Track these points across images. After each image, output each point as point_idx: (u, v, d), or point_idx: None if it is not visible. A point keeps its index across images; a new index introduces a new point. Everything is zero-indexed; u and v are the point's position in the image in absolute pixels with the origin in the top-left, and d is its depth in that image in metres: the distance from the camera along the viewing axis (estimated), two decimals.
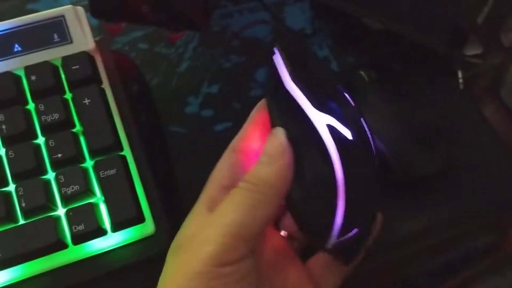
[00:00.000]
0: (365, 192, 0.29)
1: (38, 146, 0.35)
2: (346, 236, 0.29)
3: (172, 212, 0.38)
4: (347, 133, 0.28)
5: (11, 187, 0.34)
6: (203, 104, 0.47)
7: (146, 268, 0.34)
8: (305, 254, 0.35)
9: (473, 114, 0.46)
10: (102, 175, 0.34)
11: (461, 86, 0.47)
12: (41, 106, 0.35)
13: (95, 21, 0.45)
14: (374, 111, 0.42)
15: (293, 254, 0.34)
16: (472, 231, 0.46)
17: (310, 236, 0.31)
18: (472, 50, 0.48)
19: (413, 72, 0.47)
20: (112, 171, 0.34)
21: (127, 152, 0.35)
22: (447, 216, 0.42)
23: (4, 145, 0.34)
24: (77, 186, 0.33)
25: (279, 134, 0.27)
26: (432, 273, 0.55)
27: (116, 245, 0.35)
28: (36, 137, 0.35)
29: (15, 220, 0.33)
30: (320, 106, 0.28)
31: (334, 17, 0.51)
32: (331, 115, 0.28)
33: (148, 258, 0.36)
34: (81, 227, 0.33)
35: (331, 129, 0.28)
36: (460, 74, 0.47)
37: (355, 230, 0.29)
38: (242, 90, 0.47)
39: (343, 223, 0.28)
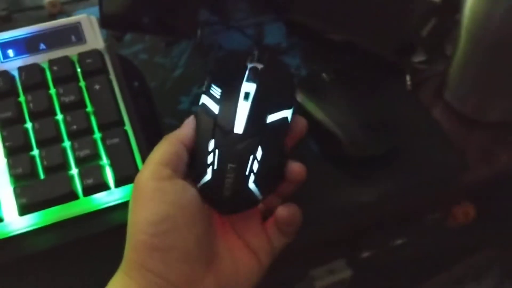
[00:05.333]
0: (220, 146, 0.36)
1: (57, 121, 0.44)
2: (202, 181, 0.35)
3: None
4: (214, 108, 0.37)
5: (35, 152, 0.43)
6: (194, 102, 0.56)
7: None
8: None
9: (418, 109, 0.55)
10: (108, 142, 0.43)
11: (409, 88, 0.56)
12: (60, 90, 0.44)
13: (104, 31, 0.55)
14: (332, 104, 0.52)
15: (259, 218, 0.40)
16: (418, 208, 0.54)
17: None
18: (419, 58, 0.57)
19: (368, 76, 0.56)
20: (116, 140, 0.43)
21: (128, 127, 0.45)
22: (392, 191, 0.50)
23: (31, 119, 0.43)
24: (88, 150, 0.42)
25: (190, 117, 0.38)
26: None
27: (118, 200, 0.43)
28: (56, 114, 0.44)
29: (38, 176, 0.42)
30: (206, 90, 0.38)
31: (304, 33, 0.61)
32: (209, 96, 0.37)
33: None
34: (90, 181, 0.42)
35: (202, 105, 0.37)
36: (408, 78, 0.56)
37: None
38: None
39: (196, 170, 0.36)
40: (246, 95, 0.37)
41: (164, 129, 0.53)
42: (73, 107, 0.44)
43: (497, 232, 0.74)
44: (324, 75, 0.54)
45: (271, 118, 0.36)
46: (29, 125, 0.44)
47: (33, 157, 0.42)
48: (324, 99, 0.52)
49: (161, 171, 0.34)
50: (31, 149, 0.43)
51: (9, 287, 0.43)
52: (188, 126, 0.37)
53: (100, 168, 0.42)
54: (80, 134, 0.43)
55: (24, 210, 0.41)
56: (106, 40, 0.49)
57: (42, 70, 0.45)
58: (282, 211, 0.37)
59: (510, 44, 0.49)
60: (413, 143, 0.52)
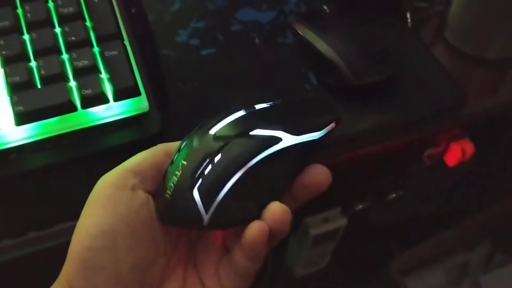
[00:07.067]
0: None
1: (56, 33, 0.43)
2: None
3: (163, 99, 0.46)
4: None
5: (33, 63, 0.42)
6: (191, 35, 0.55)
7: (140, 151, 0.41)
8: None
9: (418, 45, 0.55)
10: (107, 54, 0.42)
11: (409, 24, 0.56)
12: (59, 1, 0.43)
13: None
14: (333, 34, 0.51)
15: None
16: (417, 140, 0.54)
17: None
18: None
19: (369, 13, 0.56)
20: (115, 52, 0.42)
21: (127, 42, 0.44)
22: (392, 121, 0.49)
23: (28, 31, 0.43)
24: (86, 61, 0.42)
25: None
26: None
27: (117, 115, 0.42)
28: (55, 26, 0.43)
29: (35, 85, 0.41)
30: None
31: None
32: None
33: (144, 139, 0.44)
34: (88, 91, 0.41)
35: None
36: (408, 15, 0.56)
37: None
38: (224, 25, 0.56)
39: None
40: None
41: (161, 59, 0.52)
42: (71, 19, 0.43)
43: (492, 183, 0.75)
44: (325, 7, 0.54)
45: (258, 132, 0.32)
46: (26, 36, 0.43)
47: (30, 68, 0.41)
48: (324, 30, 0.52)
49: (125, 179, 0.31)
50: (29, 60, 0.42)
51: (5, 203, 0.42)
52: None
53: (99, 80, 0.41)
54: (79, 45, 0.42)
55: (20, 119, 0.40)
56: None
57: None
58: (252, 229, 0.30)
59: None
60: (412, 76, 0.52)
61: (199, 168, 0.30)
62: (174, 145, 0.34)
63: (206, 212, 0.30)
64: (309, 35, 0.51)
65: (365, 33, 0.53)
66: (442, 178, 0.68)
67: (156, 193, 0.33)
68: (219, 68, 0.52)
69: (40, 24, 0.42)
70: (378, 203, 0.73)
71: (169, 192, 0.31)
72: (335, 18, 0.53)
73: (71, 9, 0.43)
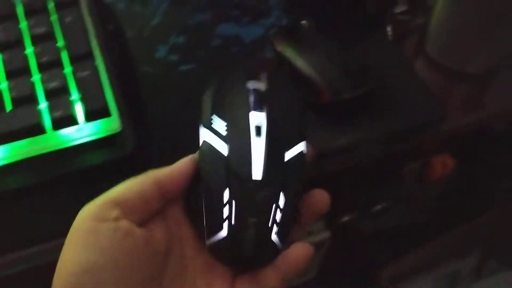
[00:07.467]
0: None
1: (27, 54, 0.42)
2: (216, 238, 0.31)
3: (138, 118, 0.46)
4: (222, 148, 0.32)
5: (3, 85, 0.41)
6: (171, 50, 0.55)
7: (113, 171, 0.41)
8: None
9: (399, 59, 0.55)
10: (79, 75, 0.42)
11: (390, 38, 0.55)
12: (31, 22, 0.43)
13: None
14: (311, 50, 0.51)
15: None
16: (397, 156, 0.53)
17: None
18: (400, 9, 0.57)
19: (349, 26, 0.56)
20: (87, 72, 0.42)
21: (99, 62, 0.43)
22: (371, 137, 0.49)
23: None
24: (57, 82, 0.41)
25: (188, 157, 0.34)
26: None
27: (88, 136, 0.42)
28: (26, 47, 0.43)
29: (5, 107, 0.41)
30: (207, 124, 0.33)
31: None
32: (212, 132, 0.32)
33: (115, 159, 0.44)
34: (58, 113, 0.40)
35: (206, 143, 0.32)
36: (389, 29, 0.56)
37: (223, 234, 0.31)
38: (204, 41, 0.56)
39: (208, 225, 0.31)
40: (258, 130, 0.32)
41: (138, 75, 0.52)
42: (43, 39, 0.42)
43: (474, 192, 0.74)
44: (304, 22, 0.53)
45: (289, 155, 0.32)
46: None
47: (1, 89, 0.41)
48: (303, 46, 0.51)
49: (106, 211, 0.30)
50: None
51: None
52: (178, 167, 0.33)
53: (69, 102, 0.41)
54: (50, 66, 0.42)
55: None
56: None
57: (13, 2, 0.44)
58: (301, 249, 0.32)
59: None
60: (392, 91, 0.51)
61: (271, 218, 0.31)
62: (163, 173, 0.32)
63: (283, 245, 0.31)
64: (288, 52, 0.51)
65: (345, 48, 0.52)
66: (425, 190, 0.68)
67: (219, 243, 0.31)
68: (199, 84, 0.52)
69: (12, 44, 0.42)
70: (364, 215, 0.72)
71: (249, 250, 0.31)
72: (314, 33, 0.53)
73: (42, 29, 0.42)
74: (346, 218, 0.72)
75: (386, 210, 0.70)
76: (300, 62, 0.50)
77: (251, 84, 0.34)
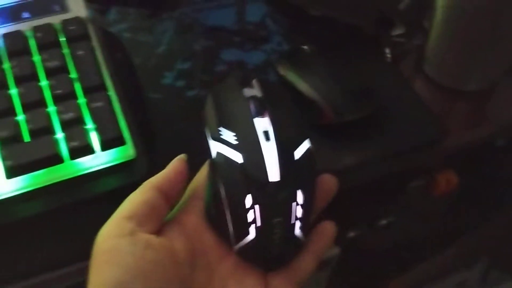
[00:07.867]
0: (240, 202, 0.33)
1: (41, 86, 0.44)
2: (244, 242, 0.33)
3: (149, 144, 0.47)
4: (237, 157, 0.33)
5: (21, 117, 0.43)
6: (177, 77, 0.57)
7: (128, 195, 0.42)
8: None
9: (398, 80, 0.56)
10: (92, 106, 0.43)
11: (388, 60, 0.57)
12: (44, 56, 0.45)
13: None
14: (313, 74, 0.52)
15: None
16: (401, 173, 0.55)
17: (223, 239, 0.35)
18: (397, 31, 0.59)
19: (348, 49, 0.58)
20: (100, 103, 0.43)
21: (112, 92, 0.45)
22: (374, 157, 0.50)
23: (16, 85, 0.44)
24: (72, 113, 0.43)
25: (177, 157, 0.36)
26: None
27: (104, 164, 0.43)
28: (40, 80, 0.44)
29: (23, 139, 0.42)
30: (216, 136, 0.34)
31: (285, 9, 0.62)
32: (223, 143, 0.34)
33: (131, 184, 0.45)
34: (75, 143, 0.42)
35: (219, 154, 0.34)
36: (387, 51, 0.58)
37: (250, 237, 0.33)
38: (209, 66, 0.57)
39: (235, 231, 0.33)
40: (266, 135, 0.33)
41: (147, 102, 0.54)
42: (57, 72, 0.44)
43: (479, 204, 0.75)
44: (305, 47, 0.55)
45: (298, 153, 0.34)
46: (13, 91, 0.44)
47: (18, 122, 0.43)
48: (305, 70, 0.53)
49: (122, 226, 0.31)
50: (16, 115, 0.43)
51: None
52: (173, 168, 0.35)
53: (85, 132, 0.43)
54: (64, 98, 0.43)
55: (11, 172, 0.41)
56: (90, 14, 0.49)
57: (26, 38, 0.46)
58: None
59: (485, 15, 0.50)
60: (393, 111, 0.53)
61: (293, 216, 0.33)
62: (160, 177, 0.34)
63: (305, 237, 0.34)
64: (291, 76, 0.53)
65: (345, 71, 0.54)
66: (430, 205, 0.69)
67: (248, 246, 0.33)
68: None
69: (27, 78, 0.44)
70: (370, 230, 0.73)
71: (277, 249, 0.33)
72: (316, 57, 0.54)
73: (56, 63, 0.44)
74: (353, 234, 0.73)
75: (392, 224, 0.71)
76: (302, 85, 0.52)
77: (247, 92, 0.36)
